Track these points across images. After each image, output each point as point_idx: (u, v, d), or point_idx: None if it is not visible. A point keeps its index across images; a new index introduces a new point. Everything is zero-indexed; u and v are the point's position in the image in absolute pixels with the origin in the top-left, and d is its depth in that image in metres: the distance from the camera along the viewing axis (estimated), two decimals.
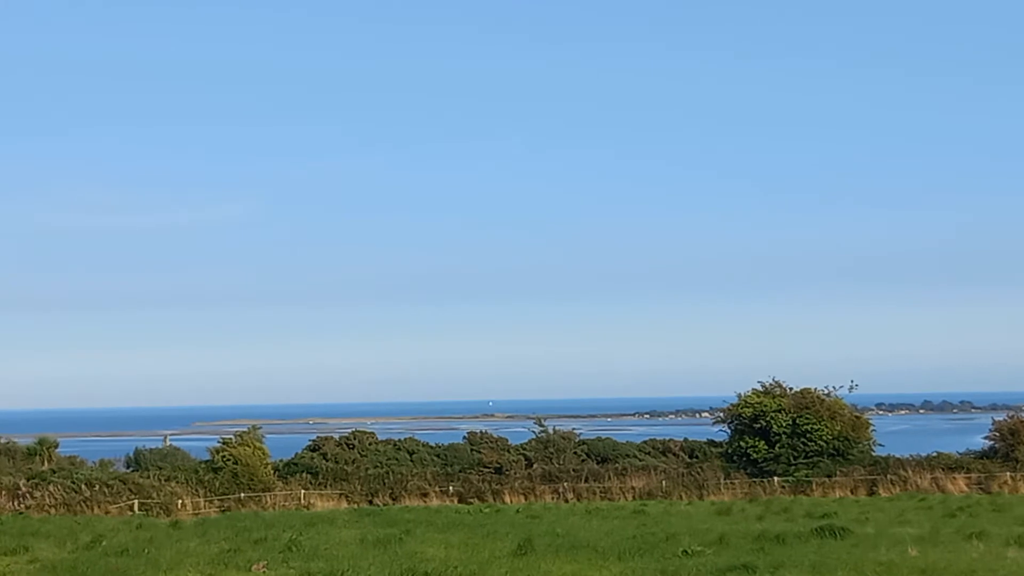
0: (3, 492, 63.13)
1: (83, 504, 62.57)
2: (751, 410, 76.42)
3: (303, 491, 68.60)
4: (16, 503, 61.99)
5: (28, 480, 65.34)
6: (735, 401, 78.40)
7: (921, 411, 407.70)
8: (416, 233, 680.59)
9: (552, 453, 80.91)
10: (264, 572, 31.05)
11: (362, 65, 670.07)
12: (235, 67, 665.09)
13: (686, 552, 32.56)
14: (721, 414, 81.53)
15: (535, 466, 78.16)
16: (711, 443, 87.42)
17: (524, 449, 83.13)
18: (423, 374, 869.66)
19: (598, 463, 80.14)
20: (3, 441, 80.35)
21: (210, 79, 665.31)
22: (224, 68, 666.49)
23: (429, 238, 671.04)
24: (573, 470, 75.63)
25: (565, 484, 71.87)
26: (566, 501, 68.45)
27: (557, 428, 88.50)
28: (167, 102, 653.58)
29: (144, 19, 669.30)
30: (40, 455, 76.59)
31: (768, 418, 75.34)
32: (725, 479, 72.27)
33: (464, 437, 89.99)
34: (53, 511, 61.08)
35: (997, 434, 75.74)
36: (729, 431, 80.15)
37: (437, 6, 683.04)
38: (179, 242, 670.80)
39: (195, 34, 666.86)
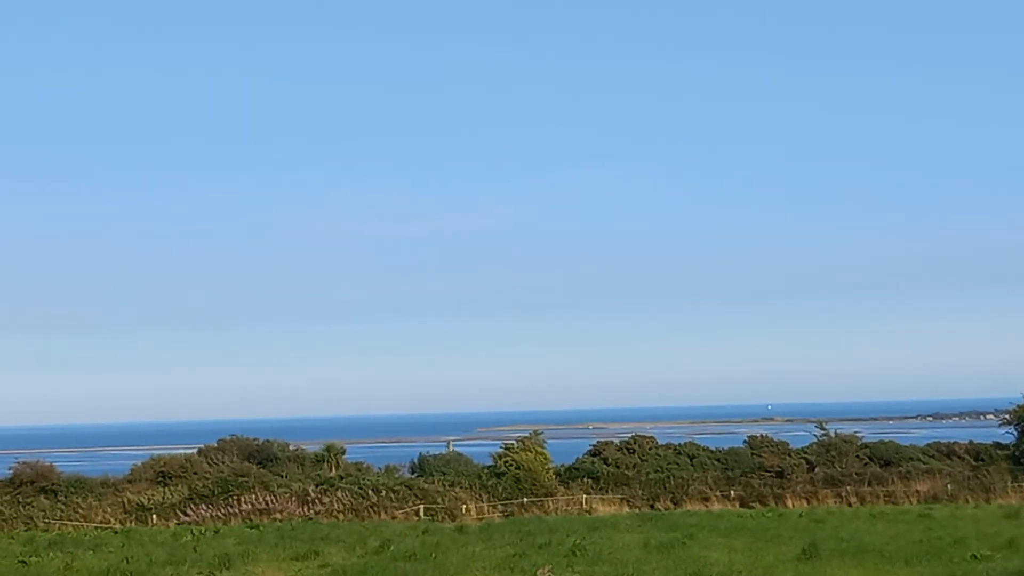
0: (293, 498, 65.25)
1: (370, 509, 64.18)
2: None
3: (585, 496, 68.93)
4: (305, 509, 63.97)
5: (317, 486, 67.35)
6: (1022, 402, 76.13)
7: None
8: (680, 240, 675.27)
9: (834, 456, 79.48)
10: None
11: (627, 69, 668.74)
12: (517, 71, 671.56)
13: (975, 556, 31.73)
14: (1007, 416, 79.09)
15: (817, 470, 76.97)
16: (997, 445, 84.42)
17: (805, 453, 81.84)
18: (699, 378, 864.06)
19: (881, 466, 78.32)
20: (292, 448, 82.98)
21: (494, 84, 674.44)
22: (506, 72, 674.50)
23: (697, 245, 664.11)
24: (856, 474, 74.27)
25: (848, 488, 70.68)
26: (849, 505, 67.34)
27: (838, 431, 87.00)
28: (439, 107, 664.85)
29: (427, 30, 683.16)
30: (328, 461, 78.81)
31: None
32: (1012, 482, 70.03)
33: (744, 441, 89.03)
34: (341, 516, 62.84)
35: None
36: (1016, 433, 77.64)
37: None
38: (452, 248, 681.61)
39: (468, 40, 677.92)
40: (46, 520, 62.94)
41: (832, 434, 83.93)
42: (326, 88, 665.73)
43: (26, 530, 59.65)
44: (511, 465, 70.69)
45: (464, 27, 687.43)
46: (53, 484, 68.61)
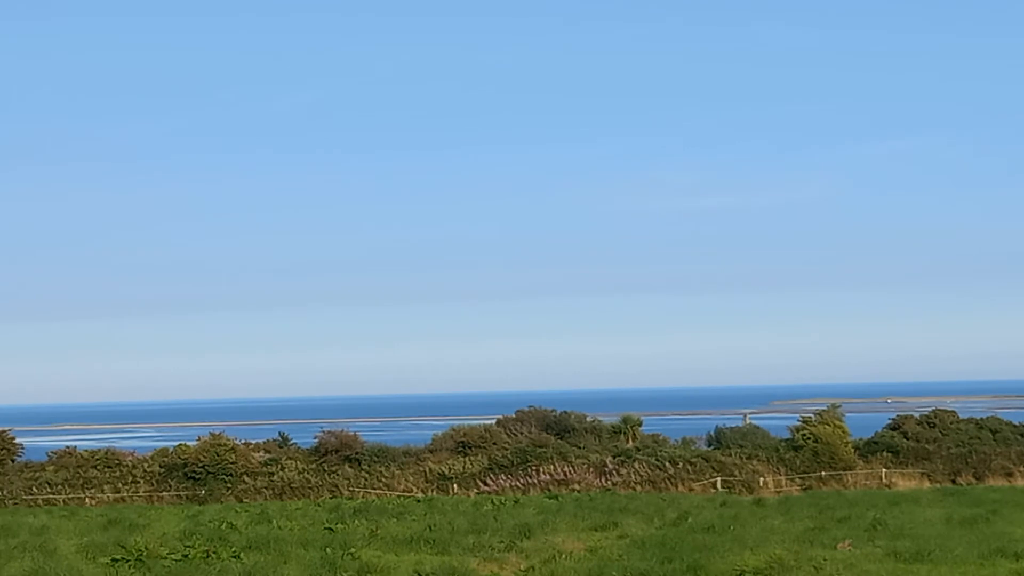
0: (591, 469, 65.81)
1: (667, 481, 64.29)
2: None
3: (884, 470, 67.54)
4: (604, 480, 64.46)
5: (614, 458, 67.71)
6: None
7: None
8: (982, 212, 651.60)
9: None
10: (849, 550, 30.80)
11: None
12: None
13: None
14: None
15: None
16: None
17: None
18: (1002, 351, 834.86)
19: None
20: (589, 420, 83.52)
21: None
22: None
23: (1002, 216, 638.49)
24: None
25: None
26: None
27: None
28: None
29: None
30: (624, 433, 79.03)
31: None
32: None
33: None
34: (638, 488, 63.11)
35: None
36: None
37: None
38: (754, 223, 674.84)
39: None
40: (351, 488, 65.10)
41: None
42: (618, 65, 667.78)
43: (331, 498, 61.84)
44: (808, 438, 69.71)
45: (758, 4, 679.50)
46: (357, 453, 70.71)
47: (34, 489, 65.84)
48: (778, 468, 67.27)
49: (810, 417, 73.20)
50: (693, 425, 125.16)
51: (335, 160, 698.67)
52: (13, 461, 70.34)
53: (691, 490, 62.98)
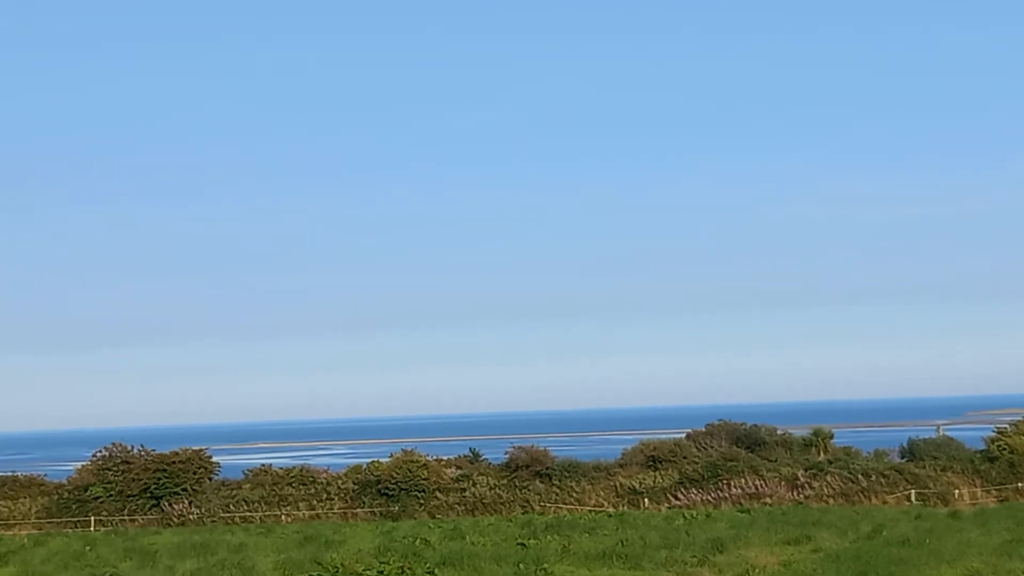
0: (782, 482, 65.39)
1: (860, 494, 63.57)
2: None
3: None
4: (795, 493, 64.00)
5: (806, 471, 67.16)
6: None
7: None
8: None
9: None
10: None
11: None
12: None
13: None
14: None
15: None
16: None
17: None
18: None
19: None
20: (780, 433, 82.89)
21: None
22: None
23: None
24: None
25: None
26: None
27: None
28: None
29: None
30: (816, 446, 78.28)
31: None
32: None
33: None
34: (831, 501, 62.52)
35: None
36: None
37: None
38: (913, 233, 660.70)
39: None
40: (542, 503, 65.64)
41: None
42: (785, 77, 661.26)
43: (523, 513, 62.40)
44: (1004, 449, 68.29)
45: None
46: (547, 468, 71.23)
47: (231, 507, 67.70)
48: (973, 480, 66.02)
49: (1006, 428, 71.68)
50: (885, 437, 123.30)
51: (537, 171, 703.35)
52: (210, 479, 72.29)
53: (884, 503, 62.18)
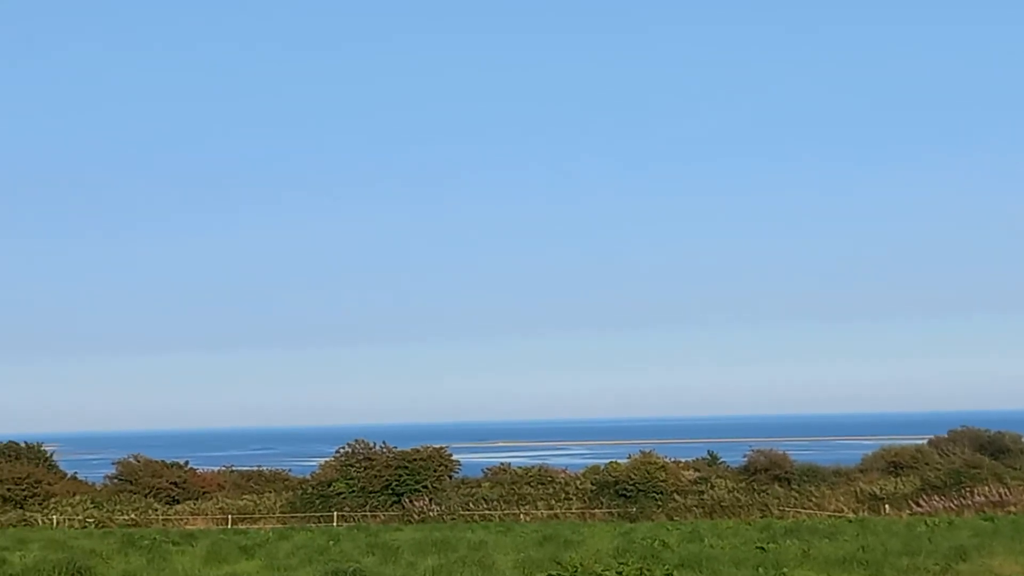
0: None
1: None
2: None
3: None
4: None
5: None
6: None
7: None
8: None
9: None
10: None
11: None
12: None
13: None
14: None
15: None
16: None
17: None
18: None
19: None
20: None
21: None
22: None
23: None
24: None
25: None
26: None
27: None
28: None
29: None
30: None
31: None
32: None
33: None
34: None
35: None
36: None
37: None
38: None
39: None
40: (781, 508, 65.20)
41: None
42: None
43: (761, 517, 62.09)
44: None
45: None
46: (787, 472, 70.81)
47: (471, 504, 68.84)
48: None
49: None
50: None
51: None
52: (451, 477, 73.71)
53: None
